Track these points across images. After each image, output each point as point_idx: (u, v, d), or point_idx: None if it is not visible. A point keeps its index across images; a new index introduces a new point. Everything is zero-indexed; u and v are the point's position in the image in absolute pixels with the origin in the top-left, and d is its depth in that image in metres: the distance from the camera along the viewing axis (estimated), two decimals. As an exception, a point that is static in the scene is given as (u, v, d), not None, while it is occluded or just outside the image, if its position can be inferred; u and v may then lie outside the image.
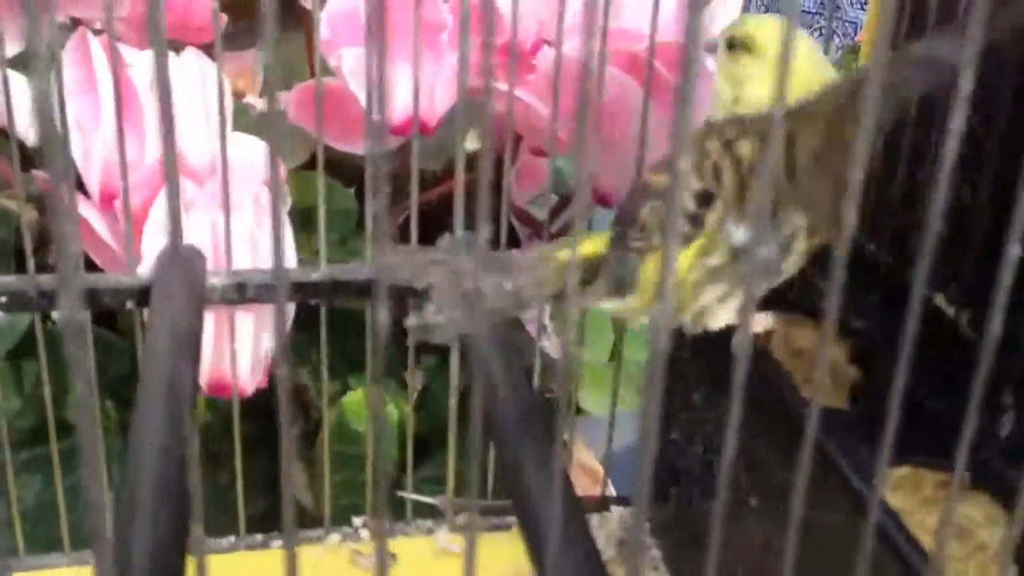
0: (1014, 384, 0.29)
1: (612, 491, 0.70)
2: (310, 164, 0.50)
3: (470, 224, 0.48)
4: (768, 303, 0.36)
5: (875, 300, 0.34)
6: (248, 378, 0.37)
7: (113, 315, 0.50)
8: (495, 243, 0.42)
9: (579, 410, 0.55)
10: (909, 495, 0.28)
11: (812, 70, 0.30)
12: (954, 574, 0.27)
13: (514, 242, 0.51)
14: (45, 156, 0.15)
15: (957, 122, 0.15)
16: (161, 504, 0.22)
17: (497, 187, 0.52)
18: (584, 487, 0.51)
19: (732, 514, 0.32)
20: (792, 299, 0.35)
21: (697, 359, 0.33)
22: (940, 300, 0.32)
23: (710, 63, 0.44)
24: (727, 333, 0.31)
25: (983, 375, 0.21)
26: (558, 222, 0.56)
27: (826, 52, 0.34)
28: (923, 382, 0.31)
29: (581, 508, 0.23)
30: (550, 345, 0.50)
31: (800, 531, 0.26)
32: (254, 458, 0.48)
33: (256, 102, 0.53)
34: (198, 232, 0.36)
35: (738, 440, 0.32)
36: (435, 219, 0.51)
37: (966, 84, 0.15)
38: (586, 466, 0.58)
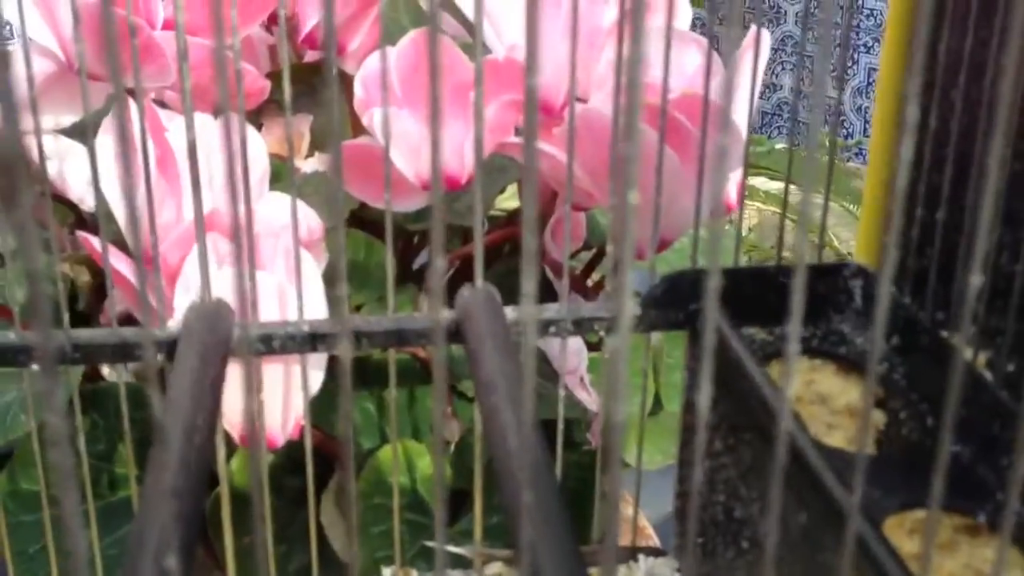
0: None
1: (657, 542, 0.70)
2: (350, 222, 0.52)
3: (499, 276, 0.49)
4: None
5: (896, 343, 0.34)
6: (279, 431, 0.38)
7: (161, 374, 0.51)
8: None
9: (625, 464, 0.55)
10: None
11: None
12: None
13: (550, 295, 0.51)
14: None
15: (905, 151, 0.15)
16: (166, 547, 0.22)
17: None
18: (628, 540, 0.51)
19: (755, 559, 0.32)
20: (814, 344, 0.35)
21: (717, 404, 0.33)
22: (957, 341, 0.32)
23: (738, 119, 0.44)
24: (745, 375, 0.31)
25: None
26: (594, 275, 0.56)
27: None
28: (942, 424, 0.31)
29: (578, 556, 0.23)
30: (588, 398, 0.50)
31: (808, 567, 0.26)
32: (297, 511, 0.49)
33: (302, 164, 0.55)
34: (229, 287, 0.37)
35: (757, 489, 0.32)
36: (464, 269, 0.52)
37: (912, 113, 0.15)
38: (631, 520, 0.58)
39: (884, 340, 0.35)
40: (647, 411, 0.54)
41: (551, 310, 0.37)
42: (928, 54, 0.34)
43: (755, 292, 0.36)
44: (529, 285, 0.17)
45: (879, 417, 0.33)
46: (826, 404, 0.34)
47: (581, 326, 0.37)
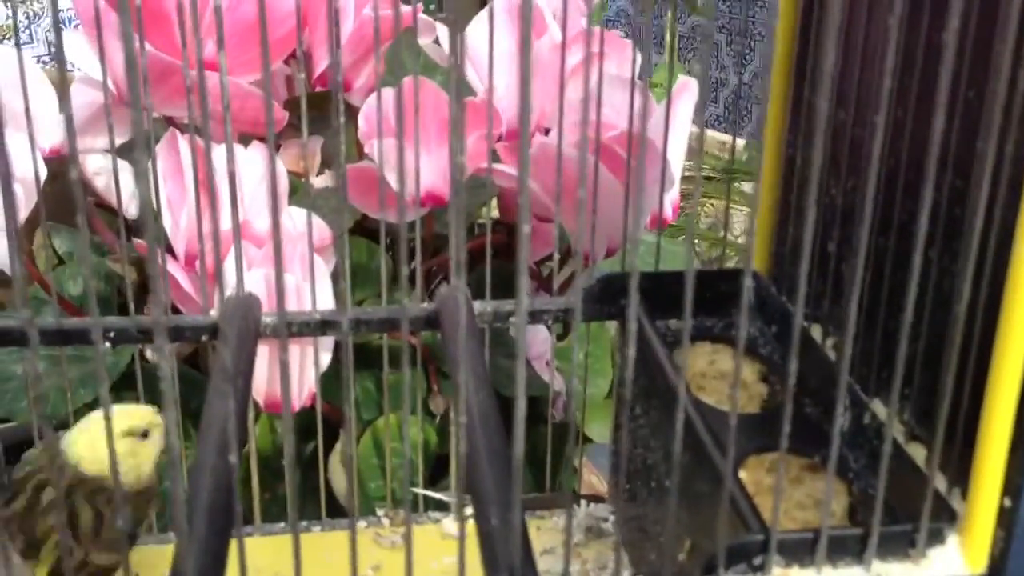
0: (850, 392, 0.37)
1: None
2: (355, 230, 0.61)
3: (495, 274, 0.57)
4: (702, 337, 0.45)
5: (775, 331, 0.43)
6: (295, 399, 0.48)
7: (195, 356, 0.61)
8: (508, 292, 0.51)
9: (587, 439, 0.65)
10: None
11: None
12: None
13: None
14: (143, 227, 0.25)
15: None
16: (214, 494, 0.31)
17: (508, 248, 0.62)
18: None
19: (658, 499, 0.41)
20: (717, 333, 0.45)
21: (637, 379, 0.43)
22: (816, 330, 0.41)
23: (668, 146, 0.53)
24: (655, 356, 0.41)
25: (843, 387, 0.30)
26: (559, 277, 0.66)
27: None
28: (802, 392, 0.40)
29: (516, 492, 0.32)
30: (552, 379, 0.60)
31: (686, 499, 0.36)
32: (308, 472, 0.58)
33: (314, 180, 0.64)
34: (258, 283, 0.46)
35: (661, 440, 0.42)
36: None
37: (818, 157, 0.24)
38: (594, 487, 0.67)
39: (767, 328, 0.44)
40: (608, 392, 0.63)
41: (510, 303, 0.46)
42: (796, 72, 0.43)
43: (675, 291, 0.45)
44: (523, 280, 0.26)
45: (763, 388, 0.43)
46: (724, 379, 0.43)
47: (535, 317, 0.46)
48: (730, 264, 1.10)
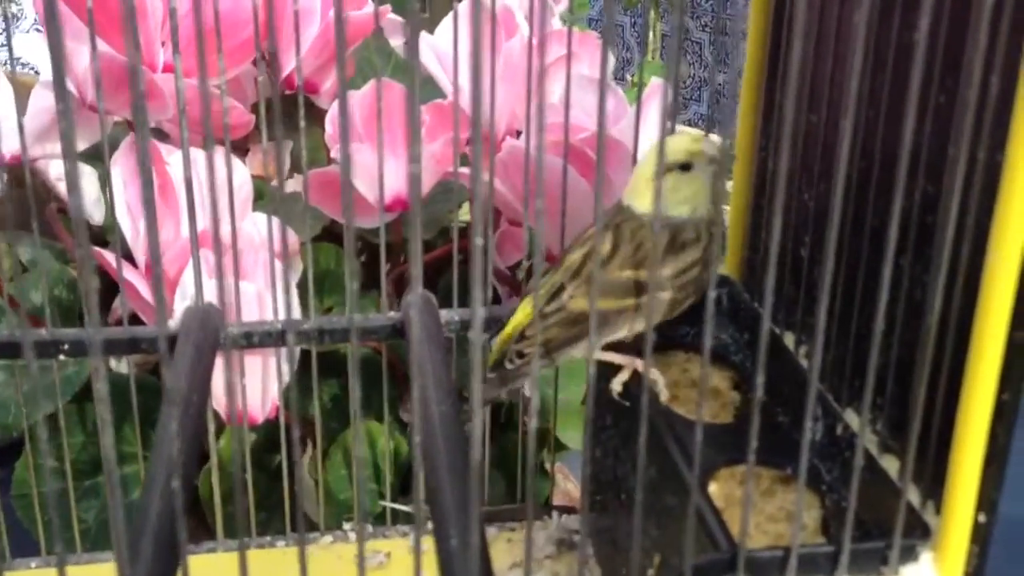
0: (822, 402, 0.37)
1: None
2: (324, 236, 0.60)
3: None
4: (673, 346, 0.44)
5: (747, 338, 0.42)
6: (259, 411, 0.46)
7: (158, 367, 0.59)
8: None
9: (562, 445, 0.64)
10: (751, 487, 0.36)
11: None
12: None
13: (496, 300, 0.59)
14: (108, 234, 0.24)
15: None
16: (165, 509, 0.30)
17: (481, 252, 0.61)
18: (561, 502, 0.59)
19: (628, 512, 0.40)
20: (690, 341, 0.44)
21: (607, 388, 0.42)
22: (788, 338, 0.40)
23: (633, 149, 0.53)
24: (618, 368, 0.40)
25: (813, 397, 0.29)
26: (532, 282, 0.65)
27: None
28: (775, 401, 0.39)
29: (478, 516, 0.31)
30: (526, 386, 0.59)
31: (655, 513, 0.35)
32: (275, 484, 0.57)
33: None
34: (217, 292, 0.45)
35: (630, 452, 0.41)
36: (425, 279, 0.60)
37: (784, 162, 0.23)
38: (570, 494, 0.66)
39: (740, 336, 0.43)
40: (583, 398, 0.62)
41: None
42: (768, 76, 0.42)
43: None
44: (477, 292, 0.25)
45: (736, 397, 0.42)
46: (696, 387, 0.42)
47: (495, 324, 0.45)
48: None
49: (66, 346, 0.41)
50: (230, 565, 0.45)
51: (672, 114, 0.52)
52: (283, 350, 0.43)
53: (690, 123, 2.44)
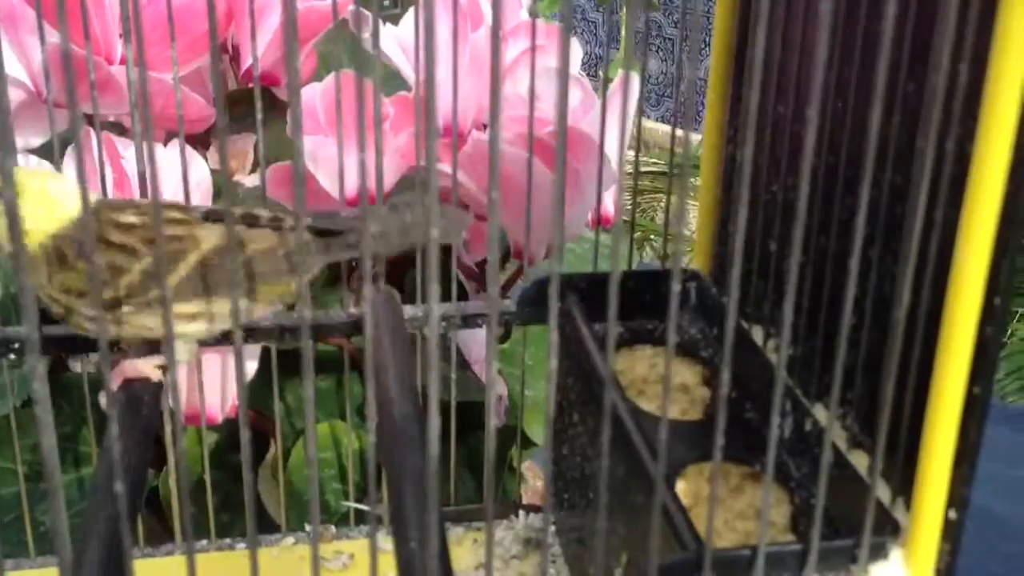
0: (791, 397, 0.36)
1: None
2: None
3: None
4: (643, 340, 0.44)
5: (716, 333, 0.42)
6: (218, 410, 0.45)
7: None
8: (446, 296, 0.49)
9: (531, 442, 0.63)
10: (720, 484, 0.35)
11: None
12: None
13: (463, 295, 0.58)
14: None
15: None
16: (112, 513, 0.29)
17: (447, 249, 0.60)
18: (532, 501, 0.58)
19: (595, 510, 0.39)
20: (658, 336, 0.43)
21: (574, 384, 0.41)
22: (757, 332, 0.40)
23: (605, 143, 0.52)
24: (590, 360, 0.39)
25: (780, 391, 0.28)
26: (501, 278, 0.64)
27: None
28: (744, 397, 0.39)
29: (439, 516, 0.30)
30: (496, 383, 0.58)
31: (622, 512, 0.34)
32: (238, 484, 0.56)
33: (245, 180, 0.62)
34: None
35: (597, 449, 0.40)
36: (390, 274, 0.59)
37: (748, 153, 0.22)
38: (540, 492, 0.66)
39: (709, 330, 0.43)
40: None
41: (445, 306, 0.44)
42: (735, 64, 0.42)
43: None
44: (433, 288, 0.24)
45: (705, 392, 0.41)
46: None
47: (469, 321, 0.45)
48: (685, 260, 1.09)
49: (16, 345, 0.40)
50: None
51: (639, 106, 0.52)
52: (246, 346, 0.42)
53: (663, 119, 2.45)
